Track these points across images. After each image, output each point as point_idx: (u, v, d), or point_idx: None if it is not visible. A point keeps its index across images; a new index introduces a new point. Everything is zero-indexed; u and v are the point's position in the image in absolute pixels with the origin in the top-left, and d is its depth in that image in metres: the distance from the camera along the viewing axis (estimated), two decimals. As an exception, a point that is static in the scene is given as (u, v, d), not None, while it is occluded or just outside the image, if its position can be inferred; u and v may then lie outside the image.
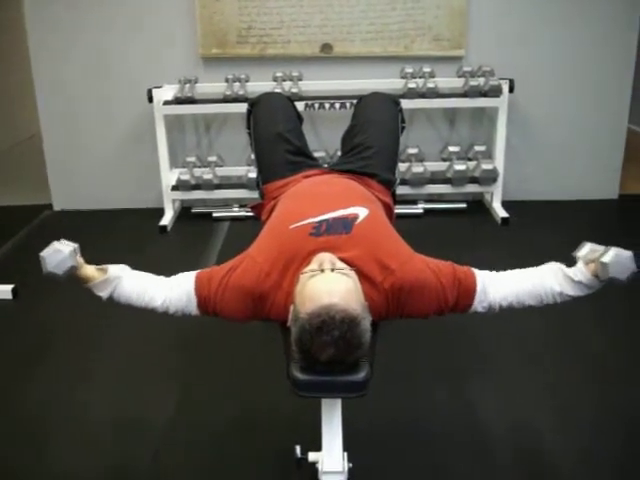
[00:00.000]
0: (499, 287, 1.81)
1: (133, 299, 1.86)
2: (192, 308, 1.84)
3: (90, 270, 1.84)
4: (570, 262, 1.83)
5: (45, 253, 1.77)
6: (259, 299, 1.77)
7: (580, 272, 1.76)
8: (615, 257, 1.72)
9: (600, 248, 1.79)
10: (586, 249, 1.81)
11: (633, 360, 2.75)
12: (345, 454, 1.77)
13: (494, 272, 1.86)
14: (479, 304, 1.81)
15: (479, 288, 1.79)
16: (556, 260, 1.86)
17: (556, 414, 2.42)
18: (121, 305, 1.88)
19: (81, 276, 1.82)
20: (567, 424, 2.37)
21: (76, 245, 1.83)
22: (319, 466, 1.77)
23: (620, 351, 2.82)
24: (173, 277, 1.90)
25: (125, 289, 1.85)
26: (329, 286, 1.59)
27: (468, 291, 1.79)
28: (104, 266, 1.85)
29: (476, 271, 1.83)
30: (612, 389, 2.56)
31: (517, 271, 1.87)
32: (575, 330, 2.98)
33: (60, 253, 1.77)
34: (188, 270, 1.89)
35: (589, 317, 3.06)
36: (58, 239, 1.85)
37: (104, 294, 1.83)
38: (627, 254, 1.74)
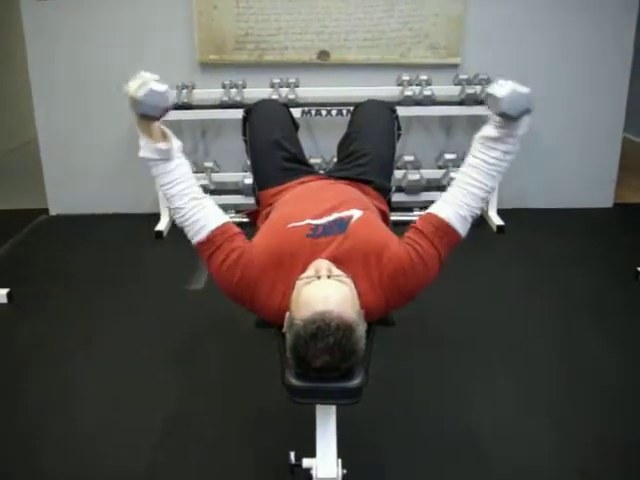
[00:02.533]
0: (461, 198, 1.82)
1: (164, 180, 1.83)
2: (195, 237, 1.82)
3: (157, 127, 1.80)
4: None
5: (143, 95, 1.71)
6: (253, 288, 1.77)
7: (497, 127, 1.79)
8: (510, 92, 1.70)
9: (494, 89, 1.75)
10: (490, 99, 1.77)
11: (631, 367, 2.75)
12: (339, 460, 1.77)
13: (446, 192, 1.87)
14: (464, 227, 1.84)
15: (452, 221, 1.80)
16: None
17: (554, 426, 2.42)
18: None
19: (150, 126, 1.78)
20: (565, 437, 2.36)
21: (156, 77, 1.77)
22: (313, 472, 1.76)
23: (618, 357, 2.83)
24: (210, 199, 1.87)
25: (167, 168, 1.81)
26: (325, 293, 1.60)
27: (448, 232, 1.81)
28: (169, 134, 1.82)
29: (437, 210, 1.83)
30: (611, 397, 2.57)
31: (460, 171, 1.88)
32: (575, 340, 2.98)
33: (159, 95, 1.72)
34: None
35: (588, 325, 3.07)
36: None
37: (147, 155, 1.80)
38: (524, 90, 1.72)
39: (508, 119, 1.74)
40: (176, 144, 1.83)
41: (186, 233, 1.84)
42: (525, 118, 1.76)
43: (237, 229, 1.85)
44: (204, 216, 1.81)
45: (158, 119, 1.76)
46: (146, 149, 1.79)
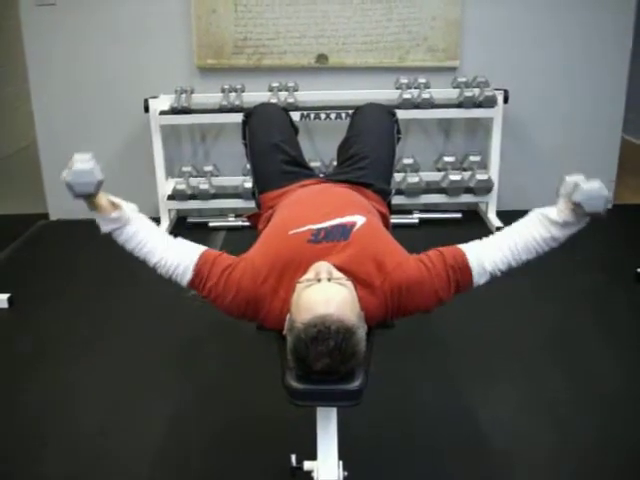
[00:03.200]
0: (493, 254, 1.81)
1: (132, 245, 1.86)
2: (184, 279, 1.84)
3: (104, 200, 1.82)
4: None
5: (69, 178, 1.74)
6: (254, 302, 1.77)
7: (562, 212, 1.79)
8: (587, 195, 1.72)
9: (576, 179, 1.78)
10: (565, 185, 1.81)
11: (633, 369, 2.76)
12: (340, 463, 1.77)
13: (484, 241, 1.86)
14: (480, 279, 1.82)
15: (474, 265, 1.79)
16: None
17: (555, 426, 2.42)
18: (117, 243, 1.88)
19: (94, 202, 1.81)
20: (566, 438, 2.36)
21: (91, 154, 1.79)
22: (314, 475, 1.77)
23: (619, 358, 2.83)
24: (180, 241, 1.90)
25: (129, 233, 1.85)
26: (325, 296, 1.60)
27: (465, 273, 1.80)
28: (118, 201, 1.84)
29: (465, 248, 1.83)
30: (613, 402, 2.57)
31: (505, 231, 1.88)
32: (576, 341, 2.99)
33: (85, 172, 1.74)
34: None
35: (590, 325, 3.08)
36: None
37: (106, 229, 1.84)
38: (596, 185, 1.74)
39: (579, 211, 1.75)
40: (129, 207, 1.86)
41: (175, 280, 1.86)
42: (587, 218, 1.78)
43: (216, 252, 1.87)
44: (182, 258, 1.83)
45: (94, 195, 1.79)
46: (102, 223, 1.84)
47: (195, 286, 1.83)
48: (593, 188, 1.73)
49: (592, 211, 1.74)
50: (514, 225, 1.88)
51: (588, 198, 1.73)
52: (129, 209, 1.86)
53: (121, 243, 1.88)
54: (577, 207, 1.75)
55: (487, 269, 1.80)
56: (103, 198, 1.81)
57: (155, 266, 1.86)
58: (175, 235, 1.95)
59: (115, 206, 1.83)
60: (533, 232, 1.82)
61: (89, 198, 1.80)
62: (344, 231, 1.84)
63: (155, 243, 1.86)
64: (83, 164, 1.76)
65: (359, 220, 1.89)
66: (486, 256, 1.81)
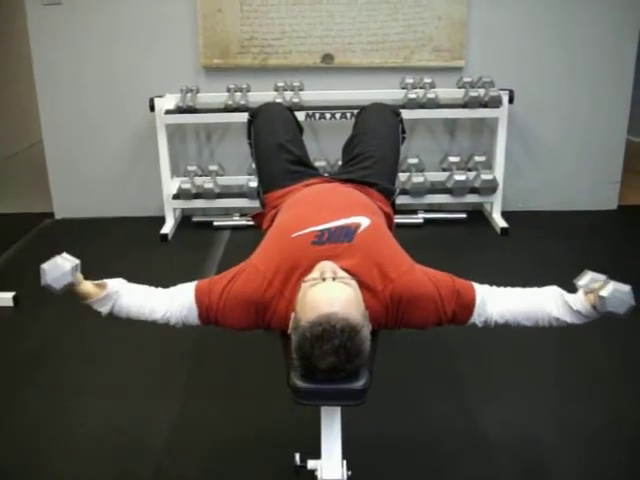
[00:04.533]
0: (498, 303, 1.81)
1: (133, 313, 1.87)
2: (193, 319, 1.85)
3: (88, 287, 1.84)
4: (567, 273, 1.84)
5: (46, 266, 1.77)
6: (261, 307, 1.78)
7: (580, 302, 1.77)
8: (614, 291, 1.71)
9: (601, 278, 1.78)
10: (587, 278, 1.81)
11: (635, 373, 2.75)
12: (344, 462, 1.78)
13: (494, 287, 1.87)
14: (477, 317, 1.81)
15: (478, 302, 1.80)
16: (555, 271, 1.87)
17: (559, 428, 2.42)
18: (122, 319, 1.89)
19: (79, 292, 1.83)
20: (569, 438, 2.36)
21: (77, 261, 1.83)
22: (318, 474, 1.77)
23: (622, 361, 2.83)
24: (172, 288, 1.90)
25: (124, 304, 1.86)
26: (330, 295, 1.60)
27: (467, 304, 1.80)
28: (102, 282, 1.86)
29: (475, 285, 1.84)
30: (614, 401, 2.57)
31: (518, 290, 1.87)
32: (577, 343, 2.98)
33: (60, 268, 1.77)
34: (189, 279, 1.89)
35: (591, 327, 3.07)
36: (60, 247, 1.86)
37: (104, 310, 1.85)
38: (626, 289, 1.72)
39: (599, 306, 1.74)
40: (112, 283, 1.86)
41: (186, 324, 1.88)
42: (600, 315, 1.77)
43: (206, 279, 1.88)
44: (181, 302, 1.84)
45: (75, 284, 1.80)
46: (98, 307, 1.85)
47: (205, 319, 1.84)
48: (623, 291, 1.72)
49: (613, 311, 1.72)
50: (529, 290, 1.86)
51: (614, 298, 1.71)
52: (114, 284, 1.86)
53: (125, 317, 1.89)
54: (599, 302, 1.72)
55: (486, 312, 1.81)
56: (86, 285, 1.84)
57: (165, 321, 1.88)
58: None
59: (101, 287, 1.84)
60: (544, 306, 1.81)
61: (73, 289, 1.81)
62: (348, 232, 1.84)
63: (152, 302, 1.87)
64: (50, 264, 1.79)
65: (363, 222, 1.89)
66: (491, 302, 1.81)
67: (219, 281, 1.83)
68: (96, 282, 1.85)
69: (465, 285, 1.82)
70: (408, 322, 1.80)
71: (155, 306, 1.86)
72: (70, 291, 1.80)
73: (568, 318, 1.80)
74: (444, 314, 1.79)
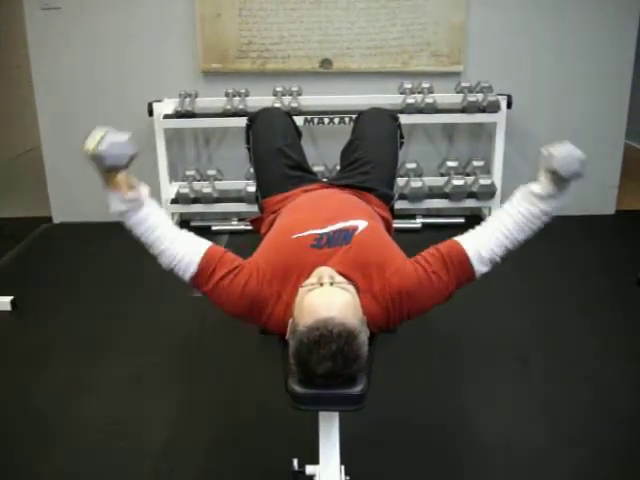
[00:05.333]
0: (488, 241, 1.82)
1: (141, 229, 1.83)
2: (186, 274, 1.81)
3: (123, 178, 1.78)
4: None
5: (104, 146, 1.70)
6: (257, 305, 1.77)
7: (544, 185, 1.81)
8: (560, 160, 1.76)
9: (551, 148, 1.81)
10: (541, 158, 1.82)
11: (632, 373, 2.76)
12: (342, 467, 1.78)
13: (477, 229, 1.86)
14: (480, 268, 1.81)
15: (471, 255, 1.79)
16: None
17: (554, 427, 2.42)
18: (126, 226, 1.84)
19: (116, 178, 1.76)
20: (566, 438, 2.37)
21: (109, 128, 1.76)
22: (317, 479, 1.77)
23: (619, 364, 2.83)
24: (188, 233, 1.86)
25: (141, 216, 1.81)
26: (327, 300, 1.60)
27: (463, 266, 1.79)
28: (134, 181, 1.80)
29: (462, 240, 1.83)
30: (610, 401, 2.57)
31: (495, 215, 1.88)
32: (576, 345, 2.99)
33: (119, 143, 1.71)
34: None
35: (590, 329, 3.08)
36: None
37: (118, 209, 1.80)
38: (568, 149, 1.79)
39: (557, 179, 1.77)
40: (144, 190, 1.82)
41: (177, 274, 1.83)
42: (571, 186, 1.80)
43: (222, 249, 1.84)
44: (187, 251, 1.80)
45: (126, 168, 1.75)
46: (116, 202, 1.79)
47: (197, 282, 1.81)
48: (565, 152, 1.76)
49: (569, 175, 1.76)
50: (503, 207, 1.88)
51: (562, 163, 1.75)
52: (145, 192, 1.82)
53: (129, 225, 1.84)
54: (555, 175, 1.76)
55: (485, 257, 1.80)
56: (123, 176, 1.78)
57: (160, 254, 1.83)
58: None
59: (131, 186, 1.79)
60: (522, 210, 1.83)
61: (113, 173, 1.75)
62: (346, 235, 1.85)
63: (164, 231, 1.83)
64: (118, 135, 1.73)
65: (360, 224, 1.89)
66: (482, 244, 1.81)
67: (228, 261, 1.80)
68: (131, 179, 1.80)
69: (451, 249, 1.81)
70: (415, 312, 1.80)
71: (164, 237, 1.81)
72: (108, 171, 1.74)
73: (547, 206, 1.83)
74: (447, 289, 1.80)
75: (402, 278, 1.77)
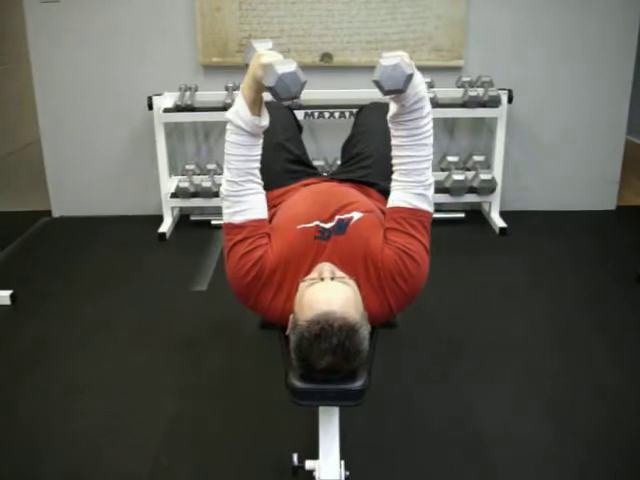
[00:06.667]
0: (411, 180, 1.80)
1: (237, 152, 1.80)
2: (231, 217, 1.81)
3: (261, 99, 1.78)
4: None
5: (284, 70, 1.62)
6: (260, 289, 1.78)
7: (395, 105, 1.79)
8: (382, 75, 1.68)
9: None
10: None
11: (633, 370, 2.75)
12: (342, 462, 1.78)
13: (393, 180, 1.85)
14: (427, 202, 1.82)
15: (415, 204, 1.80)
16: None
17: (555, 425, 2.43)
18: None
19: (257, 96, 1.75)
20: (566, 437, 2.37)
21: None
22: (316, 474, 1.77)
23: (620, 360, 2.83)
24: (260, 191, 1.86)
25: (248, 142, 1.80)
26: (328, 294, 1.60)
27: (418, 216, 1.80)
28: (265, 109, 1.80)
29: (395, 202, 1.83)
30: (613, 401, 2.57)
31: (393, 156, 1.85)
32: (577, 342, 2.99)
33: (298, 79, 1.65)
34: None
35: (590, 326, 3.08)
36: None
37: (237, 122, 1.77)
38: (387, 63, 1.68)
39: (398, 93, 1.71)
40: (266, 124, 1.81)
41: (224, 207, 1.82)
42: (412, 81, 1.70)
43: (268, 229, 1.85)
44: (252, 203, 1.81)
45: (281, 101, 1.69)
46: (239, 114, 1.76)
47: (230, 233, 1.81)
48: (382, 72, 1.68)
49: (403, 84, 1.67)
50: (391, 145, 1.85)
51: (389, 81, 1.68)
52: (266, 124, 1.81)
53: (229, 141, 1.80)
54: (392, 92, 1.70)
55: (420, 192, 1.80)
56: (262, 98, 1.76)
57: (232, 182, 1.81)
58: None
59: (261, 112, 1.78)
60: (403, 133, 1.80)
61: (262, 90, 1.72)
62: (341, 225, 1.86)
63: (252, 169, 1.82)
64: (301, 72, 1.66)
65: (355, 215, 1.90)
66: (406, 187, 1.80)
67: (262, 239, 1.81)
68: (264, 105, 1.79)
69: (399, 214, 1.81)
70: (415, 286, 1.80)
71: (246, 174, 1.81)
72: (259, 82, 1.68)
73: (414, 115, 1.78)
74: (425, 245, 1.81)
75: (388, 264, 1.77)
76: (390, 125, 1.84)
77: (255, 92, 1.74)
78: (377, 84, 1.69)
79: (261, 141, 1.83)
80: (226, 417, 2.50)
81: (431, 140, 1.83)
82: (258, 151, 1.84)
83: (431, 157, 1.83)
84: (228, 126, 1.80)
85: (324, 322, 1.52)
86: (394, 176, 1.85)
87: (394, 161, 1.85)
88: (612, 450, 2.29)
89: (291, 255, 1.79)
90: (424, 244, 1.81)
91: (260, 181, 1.86)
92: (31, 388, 2.70)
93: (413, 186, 1.80)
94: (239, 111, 1.77)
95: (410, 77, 1.67)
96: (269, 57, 1.69)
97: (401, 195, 1.81)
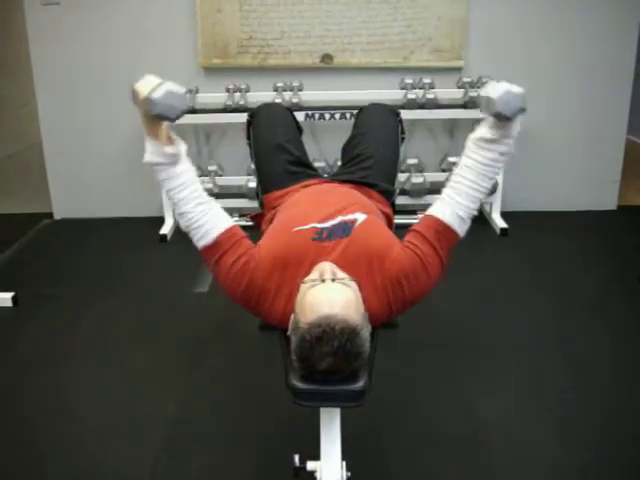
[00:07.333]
0: (459, 201, 1.82)
1: (171, 185, 1.80)
2: (200, 242, 1.81)
3: (165, 130, 1.77)
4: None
5: (156, 95, 1.66)
6: (258, 295, 1.78)
7: (492, 129, 1.80)
8: (501, 102, 1.70)
9: (488, 89, 1.77)
10: (481, 101, 1.79)
11: (636, 370, 2.75)
12: (344, 463, 1.78)
13: (443, 194, 1.86)
14: (462, 227, 1.83)
15: (451, 222, 1.81)
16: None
17: (556, 425, 2.43)
18: (157, 177, 1.81)
19: (159, 128, 1.75)
20: (568, 436, 2.37)
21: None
22: (318, 475, 1.77)
23: (622, 360, 2.83)
24: (215, 204, 1.85)
25: (174, 172, 1.79)
26: (329, 296, 1.60)
27: (448, 234, 1.82)
28: (175, 136, 1.80)
29: (436, 211, 1.84)
30: (614, 402, 2.57)
31: (456, 172, 1.87)
32: (578, 342, 2.98)
33: (175, 94, 1.67)
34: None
35: (592, 325, 3.08)
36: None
37: (153, 160, 1.78)
38: (504, 88, 1.72)
39: (503, 120, 1.74)
40: (183, 148, 1.82)
41: (191, 237, 1.83)
42: (519, 119, 1.76)
43: (242, 233, 1.85)
44: (210, 220, 1.81)
45: (174, 121, 1.72)
46: (153, 153, 1.77)
47: (208, 255, 1.81)
48: (504, 93, 1.71)
49: (514, 113, 1.71)
50: (460, 162, 1.87)
51: (505, 105, 1.70)
52: (183, 149, 1.81)
53: (160, 180, 1.81)
54: (500, 117, 1.73)
55: (463, 216, 1.82)
56: (165, 128, 1.77)
57: (182, 215, 1.81)
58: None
59: (171, 141, 1.78)
60: (479, 159, 1.82)
61: (158, 123, 1.74)
62: (346, 228, 1.85)
63: (193, 192, 1.81)
64: (176, 87, 1.70)
65: (360, 217, 1.90)
66: (455, 206, 1.82)
67: (242, 247, 1.81)
68: (171, 133, 1.79)
69: (432, 224, 1.83)
70: (415, 296, 1.81)
71: (191, 199, 1.80)
72: (154, 121, 1.72)
73: (503, 147, 1.82)
74: (439, 266, 1.81)
75: (400, 265, 1.77)
76: (470, 144, 1.85)
77: (152, 126, 1.75)
78: (489, 101, 1.72)
79: (187, 165, 1.83)
80: (227, 418, 2.50)
81: (496, 176, 1.86)
82: (189, 175, 1.83)
83: (488, 192, 1.87)
84: (153, 168, 1.80)
85: (325, 325, 1.52)
86: (447, 190, 1.86)
87: (454, 178, 1.86)
88: (614, 451, 2.29)
89: (288, 257, 1.79)
90: (442, 262, 1.82)
91: (206, 197, 1.85)
92: (32, 389, 2.70)
93: (461, 208, 1.82)
94: (150, 150, 1.78)
95: (523, 111, 1.72)
96: (143, 90, 1.71)
97: (446, 210, 1.82)
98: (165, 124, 1.76)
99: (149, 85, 1.71)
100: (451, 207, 1.82)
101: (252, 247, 1.83)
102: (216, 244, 1.79)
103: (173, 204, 1.84)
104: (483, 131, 1.82)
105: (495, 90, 1.72)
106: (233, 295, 1.81)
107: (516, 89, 1.73)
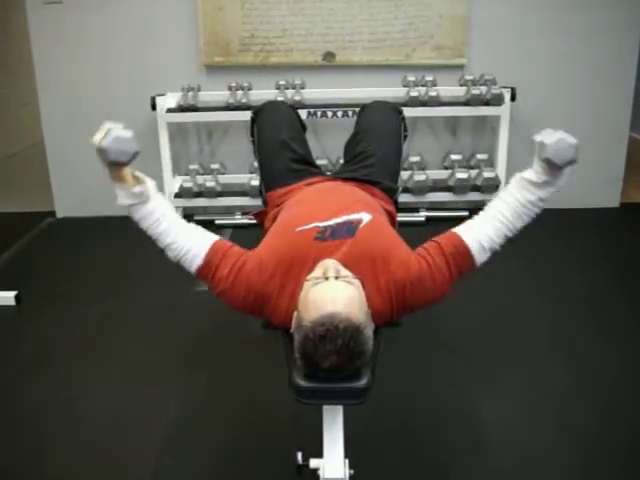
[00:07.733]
0: (486, 230, 1.82)
1: (147, 223, 1.85)
2: (192, 266, 1.83)
3: (129, 172, 1.80)
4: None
5: (106, 142, 1.73)
6: (261, 298, 1.77)
7: (539, 173, 1.79)
8: (554, 150, 1.72)
9: (543, 136, 1.78)
10: (534, 145, 1.80)
11: (636, 371, 2.75)
12: (346, 461, 1.77)
13: (475, 219, 1.87)
14: (480, 257, 1.82)
15: (472, 246, 1.80)
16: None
17: (556, 425, 2.42)
18: (133, 219, 1.86)
19: (121, 173, 1.78)
20: (568, 436, 2.36)
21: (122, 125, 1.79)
22: (320, 473, 1.77)
23: (622, 356, 2.82)
24: (194, 225, 1.89)
25: (147, 210, 1.83)
26: (333, 294, 1.60)
27: (465, 257, 1.80)
28: (141, 176, 1.82)
29: (461, 231, 1.84)
30: (614, 401, 2.57)
31: (493, 203, 1.87)
32: (580, 341, 2.98)
33: (123, 139, 1.74)
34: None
35: (594, 325, 3.07)
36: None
37: (125, 202, 1.81)
38: (559, 137, 1.74)
39: (552, 167, 1.75)
40: (150, 184, 1.84)
41: (184, 265, 1.85)
42: (568, 169, 1.77)
43: (228, 243, 1.86)
44: (194, 243, 1.82)
45: (127, 164, 1.77)
46: (123, 196, 1.81)
47: (203, 275, 1.82)
48: (558, 141, 1.73)
49: (564, 163, 1.73)
50: (500, 195, 1.88)
51: (556, 152, 1.72)
52: (151, 186, 1.84)
53: (136, 219, 1.86)
54: (550, 164, 1.74)
55: (485, 246, 1.81)
56: (129, 171, 1.80)
57: (167, 248, 1.85)
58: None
59: (138, 180, 1.81)
60: (519, 197, 1.82)
61: (118, 167, 1.77)
62: (350, 228, 1.84)
63: (170, 224, 1.85)
64: (123, 132, 1.76)
65: (365, 217, 1.89)
66: (481, 234, 1.82)
67: (234, 254, 1.81)
68: (137, 173, 1.82)
69: (454, 242, 1.81)
70: (416, 305, 1.81)
71: (170, 230, 1.84)
72: (112, 167, 1.76)
73: (544, 193, 1.82)
74: (448, 283, 1.80)
75: (406, 271, 1.76)
76: (514, 182, 1.85)
77: (114, 171, 1.79)
78: (542, 146, 1.74)
79: (157, 200, 1.85)
80: (228, 417, 2.50)
81: (529, 221, 1.87)
82: (162, 209, 1.85)
83: (517, 232, 1.87)
84: (128, 211, 1.85)
85: (329, 323, 1.52)
86: (479, 217, 1.87)
87: (491, 207, 1.86)
88: (616, 452, 2.28)
89: (292, 257, 1.78)
90: (452, 279, 1.80)
91: (184, 223, 1.88)
92: (34, 388, 2.71)
93: (486, 239, 1.81)
94: (120, 195, 1.81)
95: (573, 162, 1.74)
96: (95, 140, 1.79)
97: (471, 234, 1.82)
98: (126, 166, 1.79)
99: (100, 134, 1.77)
100: (477, 233, 1.82)
101: (243, 253, 1.83)
102: (207, 263, 1.81)
103: (154, 240, 1.88)
104: (531, 174, 1.81)
105: (550, 137, 1.74)
106: (236, 303, 1.81)
107: (570, 140, 1.74)
